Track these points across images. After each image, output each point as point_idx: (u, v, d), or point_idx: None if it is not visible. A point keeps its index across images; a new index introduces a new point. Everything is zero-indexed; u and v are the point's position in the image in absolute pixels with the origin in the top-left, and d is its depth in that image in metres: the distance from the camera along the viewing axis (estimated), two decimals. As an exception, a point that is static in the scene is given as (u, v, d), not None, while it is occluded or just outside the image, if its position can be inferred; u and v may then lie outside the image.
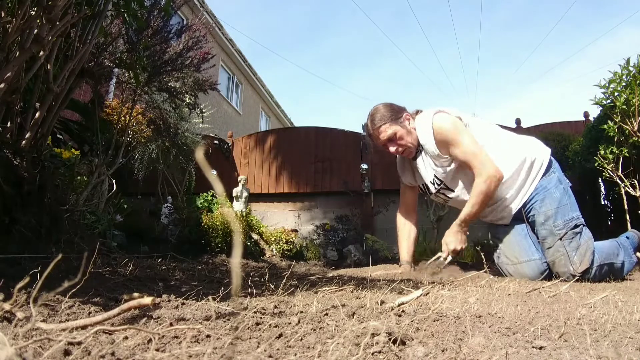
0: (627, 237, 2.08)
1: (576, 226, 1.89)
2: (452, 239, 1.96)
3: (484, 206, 1.90)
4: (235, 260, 0.39)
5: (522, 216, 2.02)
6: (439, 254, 1.98)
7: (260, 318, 0.73)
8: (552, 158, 2.06)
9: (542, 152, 2.02)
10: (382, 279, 1.83)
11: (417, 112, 2.11)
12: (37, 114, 1.58)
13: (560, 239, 1.87)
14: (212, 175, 0.40)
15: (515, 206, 2.00)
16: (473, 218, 1.93)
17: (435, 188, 2.11)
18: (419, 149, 2.05)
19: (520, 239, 2.00)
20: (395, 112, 2.04)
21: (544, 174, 1.97)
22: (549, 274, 1.89)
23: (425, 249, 4.81)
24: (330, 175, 5.82)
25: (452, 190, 2.06)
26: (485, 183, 1.84)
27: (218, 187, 0.44)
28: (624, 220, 2.91)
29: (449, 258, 1.98)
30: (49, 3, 1.41)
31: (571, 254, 1.84)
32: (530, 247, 1.95)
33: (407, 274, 1.96)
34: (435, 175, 2.06)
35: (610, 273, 1.87)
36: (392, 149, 2.03)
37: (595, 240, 1.91)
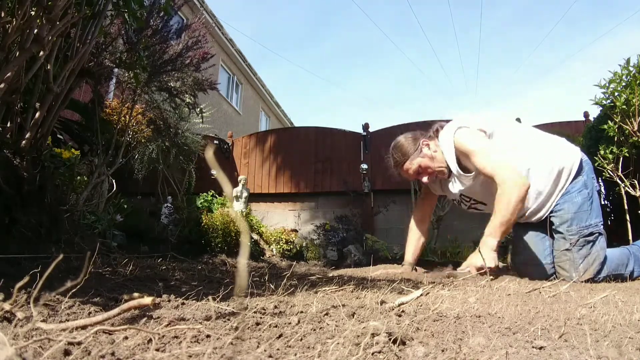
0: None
1: (591, 234, 1.83)
2: (490, 256, 1.72)
3: (515, 213, 1.74)
4: (242, 260, 0.39)
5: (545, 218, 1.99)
6: (468, 269, 1.75)
7: (261, 318, 0.73)
8: (584, 158, 1.97)
9: (572, 158, 1.93)
10: (382, 279, 1.82)
11: (437, 130, 2.06)
12: (37, 114, 1.58)
13: (571, 243, 1.83)
14: (222, 176, 0.40)
15: (543, 214, 1.96)
16: (506, 229, 1.76)
17: (466, 204, 2.11)
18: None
19: (537, 240, 1.98)
20: (414, 143, 2.02)
21: (572, 179, 1.91)
22: (554, 278, 1.88)
23: (425, 249, 4.81)
24: (330, 175, 5.82)
25: (485, 204, 2.03)
26: (512, 187, 1.72)
27: (227, 187, 0.44)
28: (624, 220, 2.90)
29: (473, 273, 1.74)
30: (49, 3, 1.41)
31: (577, 261, 1.81)
32: (545, 251, 1.94)
33: (407, 274, 1.95)
34: (461, 193, 2.05)
35: (612, 277, 1.85)
36: (425, 179, 2.02)
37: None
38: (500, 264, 2.11)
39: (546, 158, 1.92)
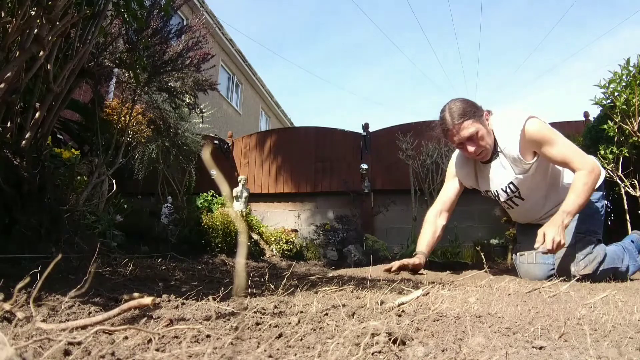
0: (632, 241, 2.11)
1: (596, 239, 1.92)
2: (556, 232, 1.68)
3: (588, 197, 1.79)
4: (240, 260, 0.39)
5: None
6: (537, 245, 1.70)
7: (260, 318, 0.73)
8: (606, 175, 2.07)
9: (602, 172, 1.99)
10: (389, 274, 1.84)
11: (489, 112, 1.99)
12: (37, 114, 1.58)
13: (577, 240, 1.89)
14: (219, 176, 0.40)
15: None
16: (578, 210, 1.78)
17: (508, 195, 2.02)
18: (495, 152, 1.95)
19: None
20: (477, 109, 1.90)
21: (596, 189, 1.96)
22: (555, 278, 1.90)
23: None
24: (330, 175, 5.82)
25: (523, 199, 2.01)
26: (590, 174, 1.77)
27: (224, 187, 0.44)
28: (623, 220, 2.91)
29: (546, 250, 1.71)
30: (49, 3, 1.41)
31: (579, 256, 1.86)
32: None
33: (419, 265, 1.95)
34: (511, 182, 1.96)
35: (613, 276, 1.88)
36: (471, 148, 1.88)
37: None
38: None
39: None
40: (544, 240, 1.67)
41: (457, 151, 2.18)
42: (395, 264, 1.93)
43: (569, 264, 1.86)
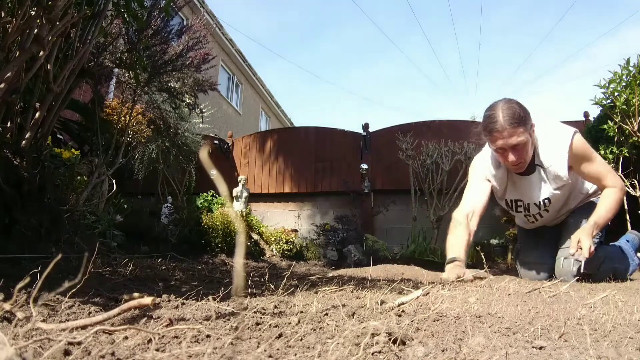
0: (628, 240, 2.13)
1: (599, 240, 1.95)
2: (588, 240, 1.68)
3: (616, 213, 1.87)
4: (239, 260, 0.39)
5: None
6: (571, 251, 1.71)
7: (260, 318, 0.73)
8: None
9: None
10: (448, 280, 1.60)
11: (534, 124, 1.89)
12: (37, 114, 1.58)
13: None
14: (217, 176, 0.40)
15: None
16: (606, 223, 1.83)
17: (538, 209, 1.97)
18: (534, 165, 1.87)
19: (544, 243, 2.08)
20: (529, 118, 1.76)
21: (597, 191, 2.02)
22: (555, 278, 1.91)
23: (425, 249, 4.82)
24: (330, 175, 5.82)
25: (548, 211, 2.00)
26: (621, 192, 1.87)
27: (222, 187, 0.44)
28: (623, 220, 2.91)
29: (582, 257, 1.73)
30: (49, 3, 1.41)
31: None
32: (551, 252, 2.01)
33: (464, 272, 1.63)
34: (548, 197, 1.92)
35: (612, 275, 1.88)
36: (512, 157, 1.74)
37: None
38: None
39: None
40: (579, 248, 1.68)
41: (488, 151, 1.99)
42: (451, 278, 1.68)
43: (569, 264, 1.86)
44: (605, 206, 1.82)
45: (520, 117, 1.71)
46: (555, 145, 1.80)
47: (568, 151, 1.78)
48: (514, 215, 2.22)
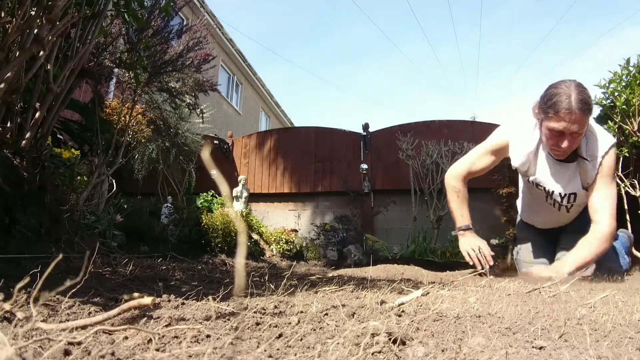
0: (616, 239, 2.11)
1: None
2: (562, 279, 1.64)
3: (595, 259, 1.75)
4: (240, 260, 0.39)
5: None
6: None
7: (260, 318, 0.73)
8: None
9: None
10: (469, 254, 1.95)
11: None
12: (37, 114, 1.58)
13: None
14: (218, 176, 0.40)
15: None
16: (583, 266, 1.73)
17: (562, 200, 1.88)
18: (576, 155, 1.78)
19: (543, 243, 2.10)
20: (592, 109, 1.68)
21: None
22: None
23: (425, 249, 4.82)
24: (330, 175, 5.83)
25: (569, 212, 1.95)
26: (610, 239, 1.73)
27: (224, 187, 0.44)
28: (623, 220, 2.91)
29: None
30: (49, 3, 1.41)
31: None
32: (550, 252, 2.03)
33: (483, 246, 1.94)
34: (574, 193, 1.83)
35: (609, 275, 1.89)
36: (566, 144, 1.63)
37: None
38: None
39: None
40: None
41: (516, 125, 1.91)
42: (475, 261, 1.96)
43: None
44: (588, 250, 1.71)
45: (591, 107, 1.61)
46: (600, 143, 1.73)
47: (604, 154, 1.71)
48: (529, 197, 2.09)
